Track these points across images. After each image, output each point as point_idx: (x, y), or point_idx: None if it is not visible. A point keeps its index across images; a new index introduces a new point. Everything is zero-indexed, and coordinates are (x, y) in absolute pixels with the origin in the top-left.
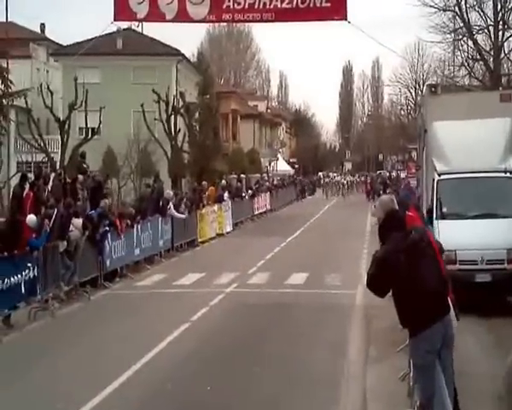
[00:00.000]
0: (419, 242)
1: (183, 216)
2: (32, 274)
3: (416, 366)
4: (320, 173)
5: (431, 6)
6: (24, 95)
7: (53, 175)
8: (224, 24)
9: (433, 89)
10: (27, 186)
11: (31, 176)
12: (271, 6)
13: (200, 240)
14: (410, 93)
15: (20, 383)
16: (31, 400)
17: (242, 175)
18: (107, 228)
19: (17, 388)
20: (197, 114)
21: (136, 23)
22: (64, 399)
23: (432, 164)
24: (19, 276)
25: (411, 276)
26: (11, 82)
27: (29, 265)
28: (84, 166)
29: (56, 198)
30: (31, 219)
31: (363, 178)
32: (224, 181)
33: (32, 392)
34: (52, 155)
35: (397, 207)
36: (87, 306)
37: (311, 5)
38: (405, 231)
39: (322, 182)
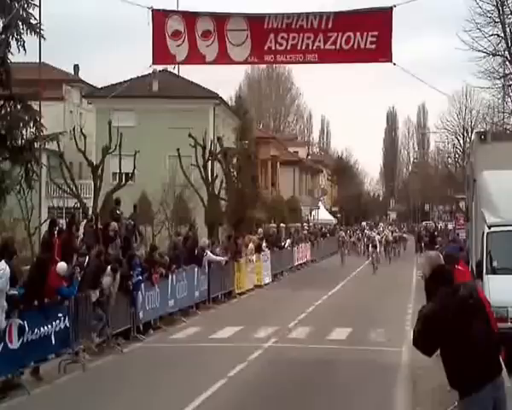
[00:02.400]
0: (468, 298)
1: (222, 259)
2: (63, 325)
3: None
4: (363, 223)
5: (479, 51)
6: (56, 138)
7: (84, 222)
8: (264, 67)
9: (482, 136)
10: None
11: (62, 222)
12: (314, 47)
13: (237, 292)
14: (458, 140)
15: None
16: None
17: (282, 224)
18: (140, 277)
19: None
20: (235, 160)
21: (173, 65)
22: None
23: (481, 215)
24: (49, 326)
25: (460, 335)
26: (43, 125)
27: (60, 315)
28: (118, 212)
29: (88, 246)
30: (61, 266)
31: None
32: (261, 230)
33: None
34: (85, 200)
35: (443, 263)
36: (119, 359)
37: (356, 47)
38: (453, 287)
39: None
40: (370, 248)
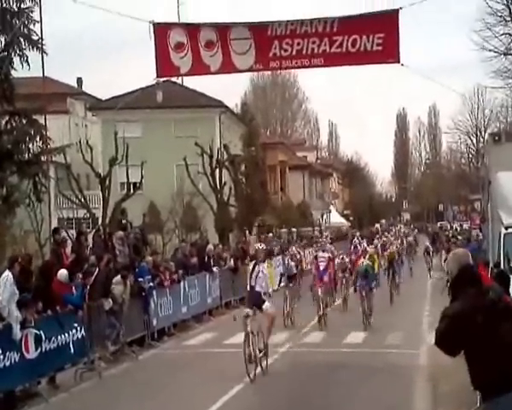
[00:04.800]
0: (498, 302)
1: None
2: (79, 334)
3: None
4: (377, 225)
5: (491, 50)
6: (63, 151)
7: (93, 232)
8: (269, 73)
9: (496, 137)
10: (62, 238)
11: (72, 232)
12: (320, 51)
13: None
14: (471, 140)
15: None
16: None
17: (293, 229)
18: (151, 284)
19: None
20: (243, 167)
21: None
22: None
23: (498, 216)
24: (66, 335)
25: (488, 337)
26: (49, 139)
27: (76, 325)
28: (124, 222)
29: (97, 255)
30: (62, 273)
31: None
32: (271, 234)
33: None
34: (94, 210)
35: (471, 262)
36: (135, 366)
37: (362, 49)
38: (482, 288)
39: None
40: None
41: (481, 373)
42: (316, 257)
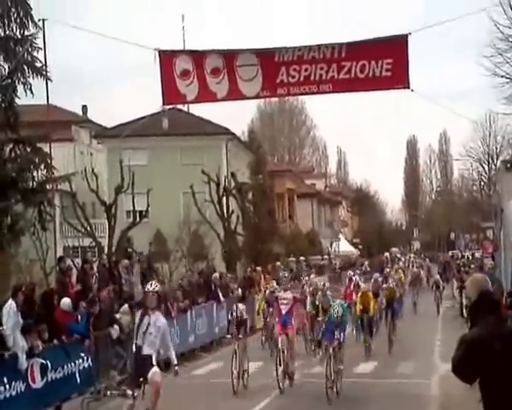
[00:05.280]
0: None
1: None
2: (86, 364)
3: None
4: (386, 253)
5: (502, 76)
6: (68, 179)
7: (97, 261)
8: (276, 100)
9: (508, 165)
10: (68, 266)
11: (78, 261)
12: (328, 77)
13: (258, 326)
14: (483, 167)
15: None
16: None
17: (301, 257)
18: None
19: None
20: (250, 195)
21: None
22: None
23: (510, 244)
24: (72, 365)
25: (506, 367)
26: (54, 167)
27: (82, 354)
28: (130, 250)
29: (100, 284)
30: (65, 302)
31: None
32: (278, 263)
33: None
34: (99, 239)
35: (490, 288)
36: (142, 396)
37: (371, 75)
38: (501, 316)
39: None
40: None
41: (496, 402)
42: (276, 298)
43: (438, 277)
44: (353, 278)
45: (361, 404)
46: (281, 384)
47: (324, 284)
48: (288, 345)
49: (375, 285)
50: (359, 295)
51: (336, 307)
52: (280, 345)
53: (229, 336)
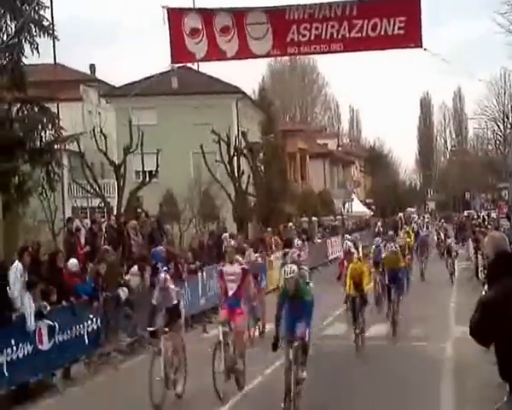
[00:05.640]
0: None
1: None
2: (94, 326)
3: None
4: (400, 214)
5: None
6: (76, 139)
7: (106, 221)
8: (287, 58)
9: None
10: (76, 227)
11: (87, 221)
12: (339, 36)
13: (271, 287)
14: (498, 126)
15: None
16: None
17: (314, 218)
18: (166, 268)
19: None
20: (261, 155)
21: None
22: None
23: None
24: (80, 326)
25: None
26: (62, 127)
27: (91, 316)
28: (140, 211)
29: (111, 244)
30: (72, 263)
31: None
32: (291, 224)
33: None
34: (108, 199)
35: (509, 248)
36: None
37: (383, 33)
38: None
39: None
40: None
41: (509, 364)
42: (221, 273)
43: (450, 241)
44: (345, 244)
45: (375, 367)
46: (220, 393)
47: (299, 255)
48: (235, 337)
49: (376, 253)
50: (350, 266)
51: (289, 274)
52: (221, 336)
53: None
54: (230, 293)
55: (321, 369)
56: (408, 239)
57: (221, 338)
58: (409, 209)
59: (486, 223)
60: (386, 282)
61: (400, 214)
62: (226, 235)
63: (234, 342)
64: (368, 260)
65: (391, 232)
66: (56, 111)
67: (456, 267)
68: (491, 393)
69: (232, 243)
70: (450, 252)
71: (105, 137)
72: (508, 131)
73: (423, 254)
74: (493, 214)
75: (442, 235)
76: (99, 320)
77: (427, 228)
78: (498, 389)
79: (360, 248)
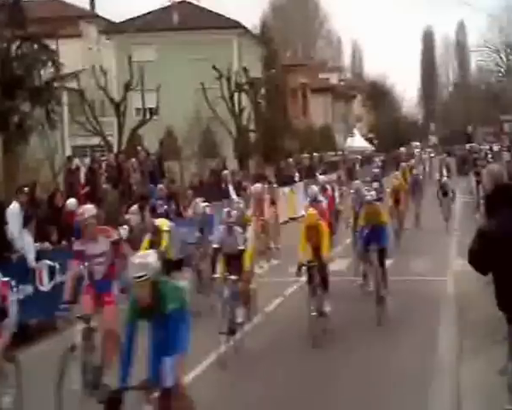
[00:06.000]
0: None
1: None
2: None
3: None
4: (402, 148)
5: None
6: (76, 77)
7: (105, 160)
8: None
9: None
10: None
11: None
12: None
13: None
14: (501, 58)
15: None
16: None
17: (315, 154)
18: (166, 206)
19: None
20: (263, 91)
21: None
22: None
23: None
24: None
25: None
26: (61, 64)
27: None
28: (140, 148)
29: (110, 183)
30: (71, 202)
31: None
32: (290, 159)
33: None
34: (109, 137)
35: (506, 180)
36: None
37: None
38: None
39: None
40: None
41: (506, 296)
42: (78, 254)
43: (445, 179)
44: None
45: (372, 303)
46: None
47: (229, 214)
48: (105, 333)
49: (356, 199)
50: (305, 222)
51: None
52: (79, 338)
53: None
54: (98, 277)
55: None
56: (401, 180)
57: (79, 340)
58: (413, 143)
59: (490, 156)
60: (362, 243)
61: (402, 149)
62: (227, 172)
63: (102, 345)
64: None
65: (376, 170)
66: (56, 48)
67: (455, 212)
68: (492, 326)
69: (92, 213)
70: (446, 192)
71: (105, 74)
72: (511, 62)
73: (415, 195)
74: (495, 147)
75: (445, 170)
76: None
77: (430, 163)
78: (498, 323)
79: (337, 193)
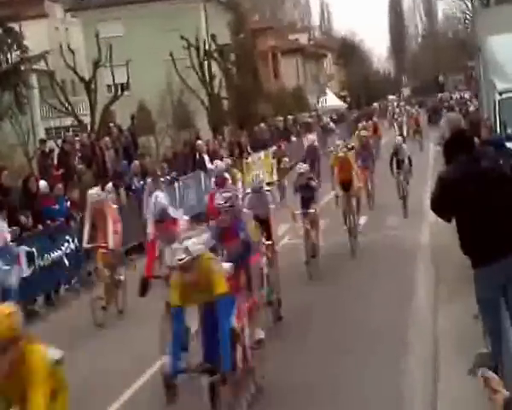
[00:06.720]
0: (491, 171)
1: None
2: (72, 246)
3: (478, 300)
4: (375, 104)
5: None
6: (43, 58)
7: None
8: None
9: (484, 1)
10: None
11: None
12: None
13: (247, 190)
14: (466, 5)
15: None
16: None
17: (289, 116)
18: (142, 182)
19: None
20: (232, 57)
21: None
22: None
23: (491, 83)
24: (59, 251)
25: (479, 204)
26: (27, 47)
27: (67, 238)
28: (111, 125)
29: (84, 163)
30: (41, 185)
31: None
32: (262, 124)
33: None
34: (82, 117)
35: (464, 127)
36: (135, 274)
37: None
38: (474, 154)
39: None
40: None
41: (469, 240)
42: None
43: (400, 140)
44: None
45: (349, 259)
46: None
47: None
48: None
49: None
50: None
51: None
52: None
53: None
54: None
55: (296, 263)
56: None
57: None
58: (390, 97)
59: (457, 105)
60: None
61: (375, 105)
62: (200, 142)
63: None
64: None
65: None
66: (20, 30)
67: (429, 161)
68: (467, 274)
69: None
70: (401, 162)
71: (73, 53)
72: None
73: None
74: (466, 95)
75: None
76: (76, 240)
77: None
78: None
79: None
